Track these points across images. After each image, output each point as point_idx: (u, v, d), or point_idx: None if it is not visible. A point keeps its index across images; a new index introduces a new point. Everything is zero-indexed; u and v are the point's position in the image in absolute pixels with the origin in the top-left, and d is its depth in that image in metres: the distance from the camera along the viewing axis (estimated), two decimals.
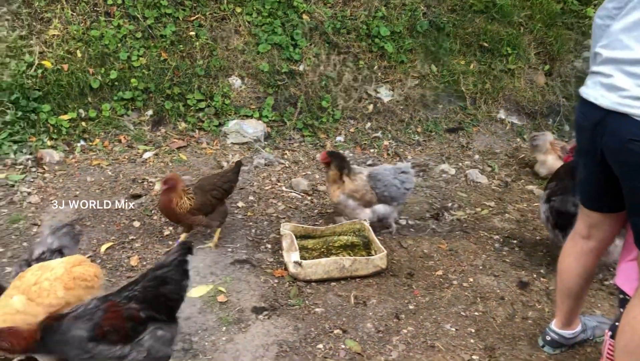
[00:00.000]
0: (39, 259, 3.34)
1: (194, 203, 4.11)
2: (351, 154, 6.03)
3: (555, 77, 7.13)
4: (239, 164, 4.54)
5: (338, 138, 6.26)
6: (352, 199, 4.47)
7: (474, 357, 3.37)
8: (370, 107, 6.56)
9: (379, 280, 4.05)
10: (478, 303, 3.88)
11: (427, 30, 6.96)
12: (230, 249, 4.31)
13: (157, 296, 2.86)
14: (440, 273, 4.18)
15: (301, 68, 6.51)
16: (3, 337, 2.65)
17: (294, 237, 4.16)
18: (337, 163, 4.50)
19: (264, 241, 4.48)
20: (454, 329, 3.60)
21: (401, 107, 6.63)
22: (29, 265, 3.27)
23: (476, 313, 3.77)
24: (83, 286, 2.88)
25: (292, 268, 3.99)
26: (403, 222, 4.87)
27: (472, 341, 3.51)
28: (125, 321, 2.75)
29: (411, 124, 6.56)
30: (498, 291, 4.02)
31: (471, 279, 4.12)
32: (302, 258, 4.02)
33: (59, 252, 3.39)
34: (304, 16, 6.71)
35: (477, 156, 6.27)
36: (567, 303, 3.25)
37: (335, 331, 3.51)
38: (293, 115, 6.33)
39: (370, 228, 4.38)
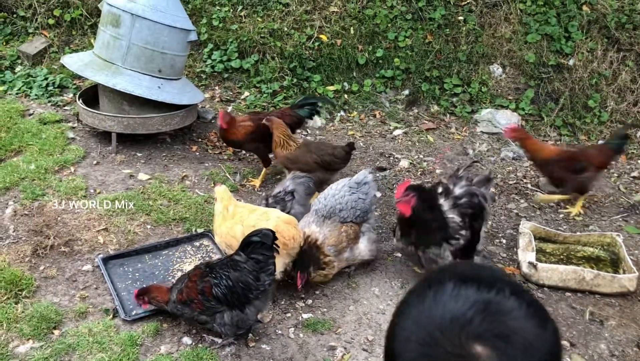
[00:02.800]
0: (276, 196, 3.98)
1: (291, 153, 4.46)
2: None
3: None
4: (351, 145, 4.52)
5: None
6: (344, 251, 3.71)
7: None
8: None
9: (623, 302, 3.64)
10: None
11: None
12: None
13: (228, 278, 3.04)
14: None
15: (571, 62, 6.05)
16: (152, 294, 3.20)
17: (532, 237, 3.97)
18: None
19: (499, 235, 4.35)
20: None
21: None
22: (267, 199, 3.97)
23: None
24: (281, 242, 3.26)
25: (525, 268, 3.82)
26: None
27: None
28: (197, 294, 3.05)
29: None
30: None
31: None
32: (538, 260, 3.82)
33: (291, 193, 3.96)
34: (584, 7, 6.20)
35: None
36: None
37: (562, 342, 3.29)
38: (553, 111, 5.94)
39: (622, 244, 3.95)
